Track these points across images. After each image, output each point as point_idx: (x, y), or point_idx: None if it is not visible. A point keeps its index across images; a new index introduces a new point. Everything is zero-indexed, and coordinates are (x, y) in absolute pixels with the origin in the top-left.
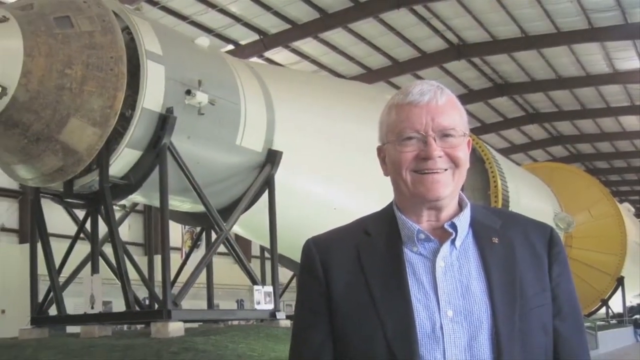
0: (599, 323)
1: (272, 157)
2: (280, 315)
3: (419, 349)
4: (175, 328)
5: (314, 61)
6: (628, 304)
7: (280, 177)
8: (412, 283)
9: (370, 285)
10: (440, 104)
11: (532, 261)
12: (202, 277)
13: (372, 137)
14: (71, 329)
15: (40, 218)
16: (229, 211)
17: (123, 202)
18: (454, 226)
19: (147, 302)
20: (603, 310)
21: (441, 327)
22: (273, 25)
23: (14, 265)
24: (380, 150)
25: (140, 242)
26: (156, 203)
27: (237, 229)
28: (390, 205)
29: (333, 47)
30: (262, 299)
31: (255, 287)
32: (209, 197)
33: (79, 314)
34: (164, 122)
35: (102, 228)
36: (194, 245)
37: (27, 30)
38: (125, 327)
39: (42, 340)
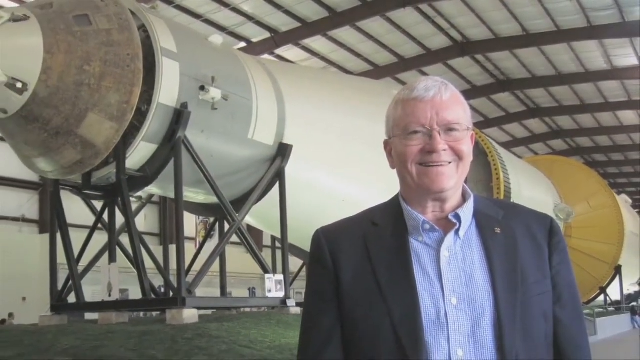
0: (597, 310)
1: (283, 151)
2: (291, 302)
3: (424, 335)
4: (190, 315)
5: (323, 58)
6: (625, 291)
7: (291, 169)
8: (418, 272)
9: (377, 274)
10: (444, 99)
11: (533, 250)
12: (216, 265)
13: (379, 131)
14: (89, 315)
15: (59, 209)
16: (241, 202)
17: (139, 193)
18: (457, 217)
19: (162, 290)
20: (601, 297)
21: (445, 314)
22: (284, 24)
23: (34, 254)
24: (387, 144)
25: (155, 232)
26: (171, 194)
27: (249, 219)
28: (396, 197)
29: (341, 45)
30: (273, 287)
31: (267, 275)
32: (222, 189)
33: (97, 301)
34: (179, 116)
35: (119, 219)
36: (208, 235)
37: (47, 28)
38: (141, 314)
39: (61, 326)
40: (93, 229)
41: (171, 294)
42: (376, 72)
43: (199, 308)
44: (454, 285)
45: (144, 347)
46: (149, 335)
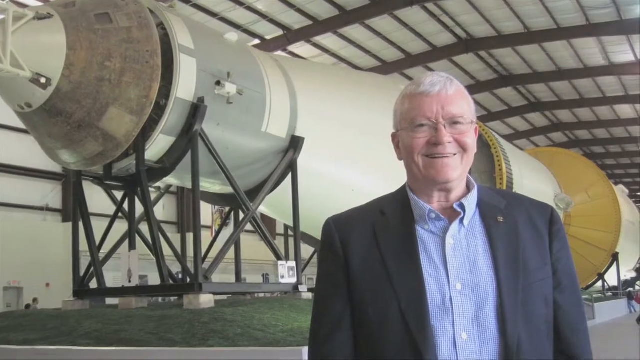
0: (595, 295)
1: (295, 143)
2: (303, 288)
3: (430, 319)
4: (206, 300)
5: (333, 54)
6: (622, 277)
7: (303, 161)
8: (424, 258)
9: (386, 260)
10: (449, 93)
11: (534, 238)
12: (231, 253)
13: (386, 124)
14: (110, 300)
15: (81, 199)
16: (255, 192)
17: (158, 184)
18: (462, 206)
19: (180, 276)
20: (599, 283)
21: (450, 299)
22: (296, 22)
23: (58, 242)
24: (394, 136)
25: (173, 220)
26: (188, 185)
27: (262, 208)
28: (403, 187)
29: (351, 42)
30: (285, 273)
31: (280, 262)
32: (237, 179)
33: (117, 286)
34: (196, 110)
35: (139, 208)
36: (223, 224)
37: (69, 25)
38: (159, 299)
39: (83, 310)
40: (114, 218)
41: (188, 279)
42: (384, 68)
43: (214, 293)
44: (458, 272)
45: (162, 330)
46: (167, 319)
